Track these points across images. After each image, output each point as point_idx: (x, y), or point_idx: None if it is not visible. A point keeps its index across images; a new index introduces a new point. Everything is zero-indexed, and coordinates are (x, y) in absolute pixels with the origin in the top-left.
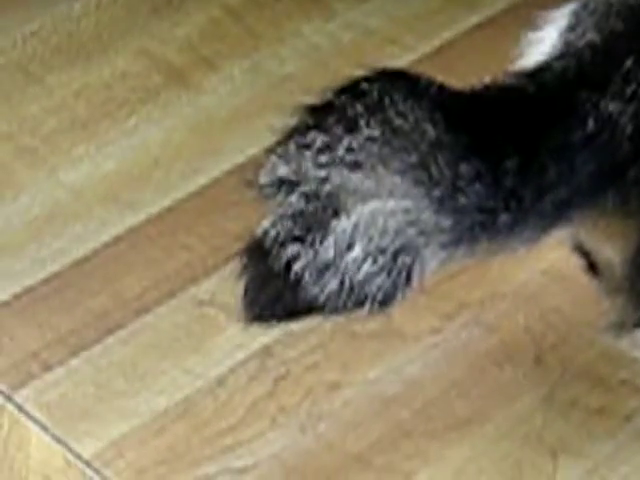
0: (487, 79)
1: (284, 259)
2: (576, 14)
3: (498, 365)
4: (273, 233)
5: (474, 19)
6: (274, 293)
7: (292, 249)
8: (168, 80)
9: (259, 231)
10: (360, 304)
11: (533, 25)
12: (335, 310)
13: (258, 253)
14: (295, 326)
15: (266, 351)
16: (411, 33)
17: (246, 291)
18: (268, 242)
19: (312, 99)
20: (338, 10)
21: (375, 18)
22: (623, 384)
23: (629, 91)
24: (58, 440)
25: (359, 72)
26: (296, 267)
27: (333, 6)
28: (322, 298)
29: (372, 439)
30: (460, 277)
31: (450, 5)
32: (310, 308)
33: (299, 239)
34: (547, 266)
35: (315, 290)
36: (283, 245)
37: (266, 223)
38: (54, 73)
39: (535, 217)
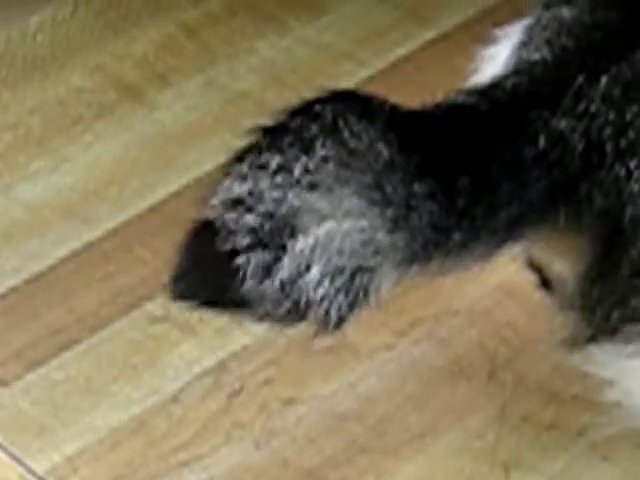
0: (440, 96)
1: (231, 245)
2: (529, 31)
3: (451, 380)
4: (224, 221)
5: (428, 35)
6: (207, 275)
7: (243, 240)
8: (123, 96)
9: (212, 215)
10: (309, 319)
11: (486, 41)
12: (280, 318)
13: (205, 230)
14: (250, 341)
15: (220, 367)
16: (365, 49)
17: (179, 266)
18: (218, 225)
19: (267, 117)
20: (292, 26)
21: (329, 34)
22: (575, 399)
23: (580, 108)
24: (12, 456)
25: (314, 90)
26: (241, 259)
27: (287, 22)
28: (258, 306)
29: (326, 455)
30: (414, 293)
31: (404, 21)
32: (239, 303)
33: (252, 244)
34: (500, 282)
35: (254, 294)
36: (233, 233)
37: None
38: (9, 89)
39: (488, 234)
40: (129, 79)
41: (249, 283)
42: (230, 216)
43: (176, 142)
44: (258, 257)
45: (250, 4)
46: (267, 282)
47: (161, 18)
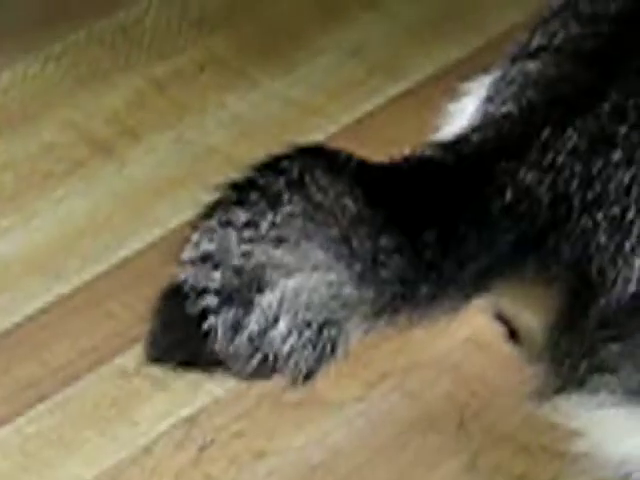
0: (406, 150)
1: (199, 308)
2: (495, 85)
3: (421, 432)
4: (192, 282)
5: (395, 90)
6: (180, 338)
7: (210, 301)
8: (94, 151)
9: (182, 277)
10: (277, 374)
11: (453, 96)
12: (250, 374)
13: (174, 296)
14: (221, 393)
15: (191, 419)
16: (333, 103)
17: (152, 330)
18: (187, 289)
19: (236, 171)
20: (261, 81)
21: (297, 89)
22: (544, 450)
23: (547, 161)
24: None
25: (283, 145)
26: (210, 321)
27: (256, 77)
28: (227, 359)
29: None
30: (383, 346)
31: (371, 76)
32: (209, 363)
33: (221, 303)
34: (469, 334)
35: (220, 349)
36: (201, 295)
37: (187, 272)
38: None
39: (455, 287)
40: (99, 134)
41: (220, 343)
42: (198, 275)
43: (146, 197)
44: (227, 316)
45: (218, 59)
46: (237, 339)
47: (130, 73)
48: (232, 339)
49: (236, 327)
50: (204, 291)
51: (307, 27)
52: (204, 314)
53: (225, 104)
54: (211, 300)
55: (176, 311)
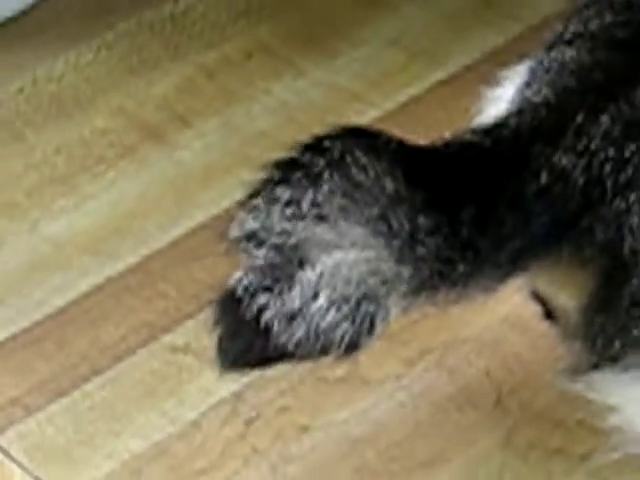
0: (446, 135)
1: (255, 309)
2: (532, 72)
3: (459, 408)
4: (244, 284)
5: (436, 76)
6: (246, 342)
7: (262, 299)
8: (144, 136)
9: (232, 282)
10: (326, 350)
11: (492, 82)
12: (304, 356)
13: (231, 303)
14: (266, 372)
15: (238, 395)
16: (375, 90)
17: (220, 340)
18: (240, 292)
19: (280, 154)
20: (306, 69)
21: (341, 76)
22: (580, 425)
23: (581, 145)
24: (30, 474)
25: (324, 128)
26: (266, 316)
27: (301, 65)
28: (291, 346)
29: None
30: (422, 323)
31: (413, 63)
32: (281, 355)
33: (268, 289)
34: (506, 312)
35: (284, 338)
36: (254, 295)
37: (238, 274)
38: (36, 130)
39: (492, 267)
40: (150, 120)
41: (282, 337)
42: (248, 275)
43: (195, 180)
44: (278, 308)
45: (265, 48)
46: (294, 326)
47: (180, 61)
48: (287, 325)
49: (292, 317)
50: (255, 292)
51: (349, 17)
52: (259, 313)
53: (271, 91)
54: (262, 299)
55: (235, 317)
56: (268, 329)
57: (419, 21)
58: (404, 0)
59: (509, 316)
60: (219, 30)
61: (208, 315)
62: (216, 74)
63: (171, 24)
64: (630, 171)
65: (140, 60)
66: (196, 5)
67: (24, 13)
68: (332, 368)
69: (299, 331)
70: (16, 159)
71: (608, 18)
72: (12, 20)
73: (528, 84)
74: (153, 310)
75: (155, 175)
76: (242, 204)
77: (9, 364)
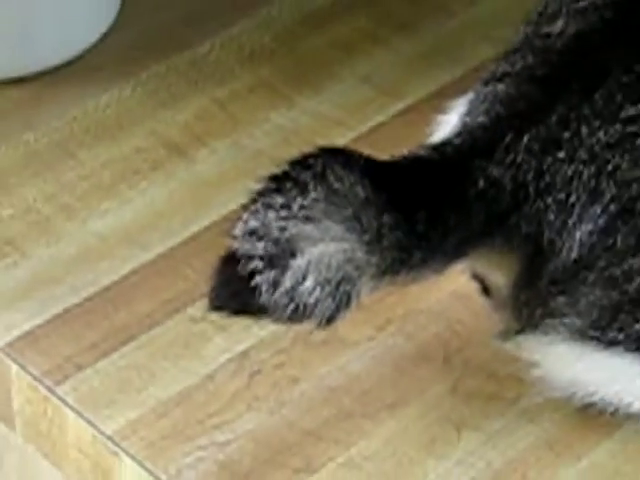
0: (405, 151)
1: (248, 269)
2: (471, 102)
3: (415, 364)
4: (243, 251)
5: (399, 107)
6: (234, 292)
7: (256, 265)
8: (170, 154)
9: (235, 246)
10: (310, 318)
11: (441, 111)
12: (287, 319)
13: (230, 260)
14: (265, 335)
15: (243, 354)
16: (351, 117)
17: (214, 287)
18: (240, 254)
19: (276, 169)
20: (297, 101)
21: (324, 106)
22: (510, 376)
23: (508, 159)
24: (88, 422)
25: (311, 148)
26: (257, 280)
27: (293, 98)
28: (271, 306)
29: (322, 419)
30: (387, 298)
31: (381, 96)
32: (258, 311)
33: (265, 265)
34: (453, 289)
35: (266, 300)
36: (250, 260)
37: (239, 244)
38: (86, 150)
39: (441, 254)
40: (175, 141)
41: (264, 296)
42: (247, 246)
43: (209, 188)
44: (268, 276)
45: (266, 84)
46: (276, 293)
47: (199, 95)
48: (273, 293)
49: (275, 284)
50: (251, 257)
51: (331, 60)
52: (252, 274)
53: (269, 118)
54: (257, 264)
55: (231, 272)
56: (255, 289)
57: (386, 63)
58: (372, 46)
59: (455, 292)
60: (229, 71)
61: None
62: (227, 105)
63: (192, 66)
64: (547, 179)
65: (168, 94)
66: (211, 52)
67: (78, 58)
68: (317, 333)
69: (286, 300)
70: (70, 172)
71: (530, 60)
72: (68, 64)
73: (468, 112)
74: (177, 289)
75: (178, 184)
76: (245, 207)
77: (64, 331)
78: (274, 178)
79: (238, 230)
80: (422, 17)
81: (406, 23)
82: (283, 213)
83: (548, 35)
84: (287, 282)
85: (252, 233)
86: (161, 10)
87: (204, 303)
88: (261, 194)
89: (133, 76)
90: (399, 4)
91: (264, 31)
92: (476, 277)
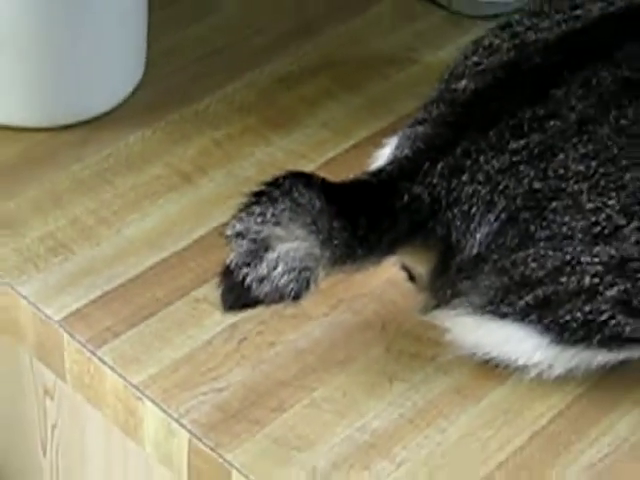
0: (352, 175)
1: (241, 276)
2: (400, 140)
3: (360, 332)
4: (235, 261)
5: (350, 143)
6: (236, 295)
7: (245, 270)
8: (181, 180)
9: (228, 261)
10: (282, 299)
11: (380, 147)
12: (269, 302)
13: (227, 272)
14: (250, 312)
15: (234, 325)
16: (313, 152)
17: (222, 294)
18: (232, 266)
19: (255, 189)
20: (274, 140)
21: (294, 144)
22: (430, 339)
23: (426, 181)
24: (120, 375)
25: (281, 173)
26: (247, 281)
27: (271, 138)
28: (261, 297)
29: (291, 373)
30: (338, 284)
31: (336, 136)
32: (255, 302)
33: (248, 264)
34: (388, 276)
35: (257, 293)
36: (240, 268)
37: (231, 256)
38: (119, 177)
39: (377, 251)
40: (184, 170)
41: (255, 291)
42: (236, 253)
43: (209, 205)
44: (254, 276)
45: (251, 129)
46: (261, 286)
47: (201, 137)
48: (259, 288)
49: (260, 281)
50: (240, 267)
51: (299, 111)
52: (244, 278)
53: (254, 153)
54: (245, 271)
55: (230, 281)
56: (249, 287)
57: (339, 113)
58: (331, 101)
59: (389, 279)
60: (224, 119)
61: (215, 281)
62: (222, 144)
63: (197, 116)
64: (455, 195)
65: (179, 136)
66: (210, 105)
67: (113, 110)
68: (288, 309)
69: (266, 288)
70: (106, 193)
71: (442, 109)
72: (106, 114)
73: (397, 147)
74: (185, 279)
75: (186, 201)
76: (234, 216)
77: (102, 309)
78: (254, 194)
79: (229, 231)
80: (366, 79)
81: (354, 83)
82: (260, 219)
83: (455, 90)
84: (264, 270)
85: (238, 234)
86: (174, 74)
87: (205, 288)
88: (245, 206)
89: (154, 123)
90: (349, 69)
91: (250, 90)
92: (404, 268)
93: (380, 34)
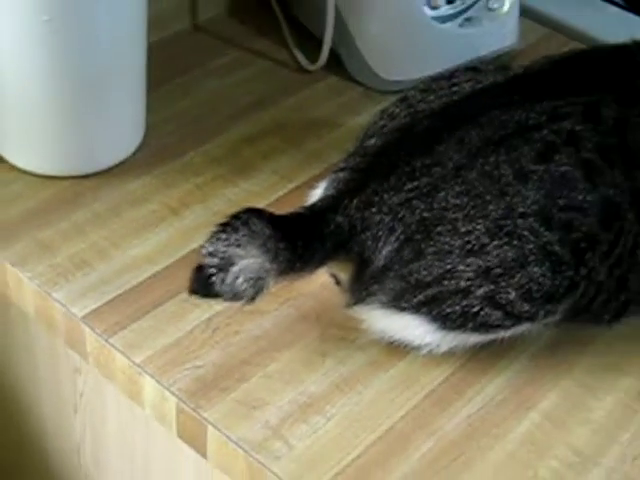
0: (293, 209)
1: (208, 274)
2: (327, 183)
3: (301, 322)
4: (206, 263)
5: (292, 186)
6: (203, 287)
7: (212, 270)
8: (171, 214)
9: (200, 262)
10: (241, 299)
11: (314, 188)
12: (230, 300)
13: (198, 271)
14: (221, 307)
15: (209, 320)
16: (267, 192)
17: (191, 281)
18: (206, 265)
19: (223, 220)
20: (239, 184)
21: (254, 187)
22: (351, 327)
23: (346, 212)
24: (126, 356)
25: (240, 209)
26: (212, 278)
27: (237, 182)
28: (222, 293)
29: (251, 353)
30: (284, 287)
31: (284, 180)
32: (215, 296)
33: (216, 272)
34: (321, 281)
35: (219, 289)
36: (210, 269)
37: (204, 260)
38: (124, 212)
39: (311, 264)
40: (173, 206)
41: (217, 287)
42: (207, 260)
43: (192, 232)
44: (218, 276)
45: (222, 176)
46: (222, 285)
47: (186, 182)
48: (221, 285)
49: (222, 281)
50: (209, 267)
51: (257, 161)
52: (210, 276)
53: (225, 194)
54: (212, 270)
55: (199, 274)
56: (212, 284)
57: (286, 163)
58: (281, 155)
59: (322, 283)
60: (202, 169)
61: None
62: (202, 187)
63: (183, 167)
64: (367, 223)
65: (170, 182)
66: (193, 159)
67: (120, 163)
68: (247, 307)
69: (229, 289)
70: (115, 225)
71: (357, 160)
72: (113, 167)
73: (326, 188)
74: (174, 284)
75: (174, 230)
76: (206, 240)
77: (114, 309)
78: (221, 224)
79: (203, 251)
80: (305, 138)
81: (297, 142)
82: (225, 242)
83: (367, 146)
84: (229, 279)
85: (210, 253)
86: (166, 137)
87: (187, 292)
88: (214, 233)
89: (151, 172)
90: (293, 131)
91: (221, 147)
92: (332, 275)
93: (316, 105)
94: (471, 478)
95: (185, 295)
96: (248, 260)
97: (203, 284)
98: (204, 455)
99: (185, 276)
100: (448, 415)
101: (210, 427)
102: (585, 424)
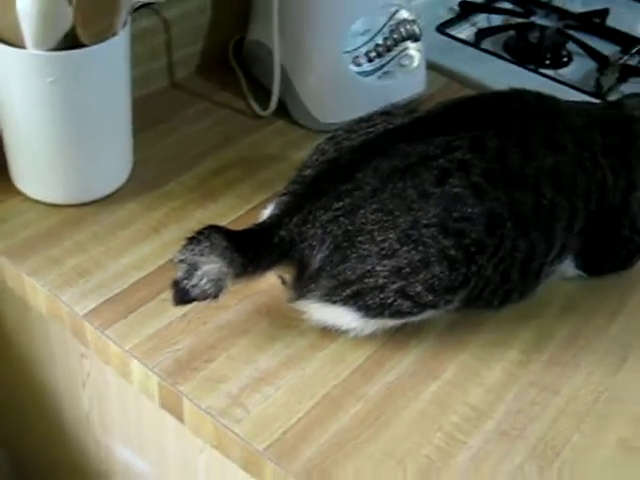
0: (248, 225)
1: (183, 285)
2: (275, 205)
3: (257, 314)
4: (178, 276)
5: (249, 207)
6: (180, 295)
7: (185, 282)
8: (153, 232)
9: (176, 277)
10: (207, 298)
11: (264, 208)
12: (200, 300)
13: (176, 283)
14: (192, 306)
15: (184, 315)
16: (230, 212)
17: (173, 295)
18: (177, 279)
19: (190, 235)
20: (210, 207)
21: (221, 209)
22: (295, 317)
23: (288, 228)
24: (118, 345)
25: (203, 226)
26: (186, 287)
27: (211, 207)
28: (194, 296)
29: (216, 339)
30: (244, 286)
31: (242, 203)
32: (192, 300)
33: (186, 278)
34: (271, 282)
35: (193, 294)
36: (182, 280)
37: (178, 274)
38: (118, 231)
39: (261, 268)
40: (154, 226)
41: (191, 294)
42: (180, 272)
43: (169, 246)
44: (189, 280)
45: (196, 201)
46: (194, 288)
47: (165, 207)
48: (192, 292)
49: (192, 284)
50: (182, 280)
51: (223, 191)
52: (185, 287)
53: (196, 216)
54: (186, 282)
55: (177, 288)
56: (187, 291)
57: (245, 190)
58: (241, 184)
59: (271, 283)
60: (179, 195)
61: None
62: (177, 210)
63: (163, 197)
64: (304, 236)
65: (153, 206)
66: (173, 189)
67: (111, 194)
68: (213, 303)
69: (197, 291)
70: (110, 242)
71: (295, 187)
72: (106, 197)
73: (273, 209)
74: (157, 287)
75: (156, 245)
76: (178, 251)
77: (108, 308)
78: (189, 239)
79: (176, 260)
80: (260, 170)
81: (253, 173)
82: (192, 252)
83: (304, 176)
84: (195, 280)
85: (180, 261)
86: (150, 170)
87: (167, 293)
88: (184, 245)
89: (137, 199)
90: (251, 164)
91: (194, 178)
92: (279, 277)
93: (267, 143)
94: (391, 432)
95: (165, 295)
96: (209, 265)
97: (181, 294)
98: (182, 420)
99: (164, 280)
100: (371, 384)
101: (185, 398)
102: (479, 387)
